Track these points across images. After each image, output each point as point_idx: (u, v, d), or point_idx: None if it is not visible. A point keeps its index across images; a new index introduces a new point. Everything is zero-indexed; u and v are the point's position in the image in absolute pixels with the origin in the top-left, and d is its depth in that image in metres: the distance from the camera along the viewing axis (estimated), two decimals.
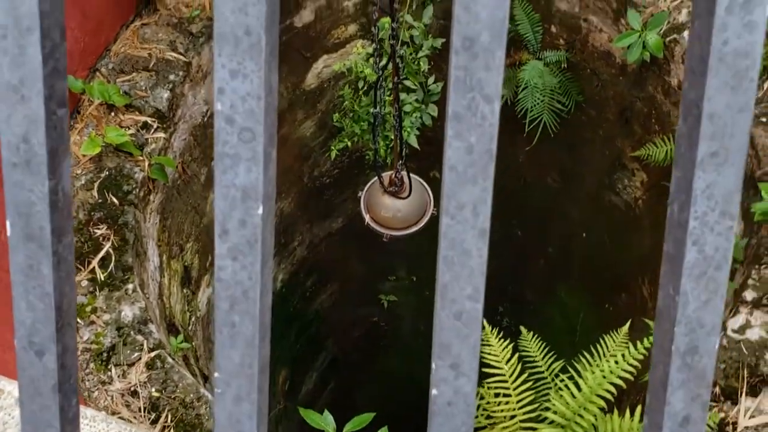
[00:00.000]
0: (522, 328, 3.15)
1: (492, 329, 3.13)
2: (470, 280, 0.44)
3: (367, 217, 2.85)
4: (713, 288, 0.45)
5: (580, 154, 4.74)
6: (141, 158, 2.90)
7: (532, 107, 4.36)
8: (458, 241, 0.44)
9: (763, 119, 3.24)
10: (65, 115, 0.46)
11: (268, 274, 0.45)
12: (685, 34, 3.42)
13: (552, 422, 2.65)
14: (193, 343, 3.29)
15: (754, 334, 2.80)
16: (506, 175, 5.14)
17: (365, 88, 4.37)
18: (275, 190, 0.46)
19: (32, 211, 0.45)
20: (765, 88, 3.32)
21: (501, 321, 5.67)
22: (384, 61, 2.82)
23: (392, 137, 4.13)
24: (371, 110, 3.09)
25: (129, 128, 2.98)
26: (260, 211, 0.44)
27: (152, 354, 2.51)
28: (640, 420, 2.54)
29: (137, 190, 2.84)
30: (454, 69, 0.42)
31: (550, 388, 2.82)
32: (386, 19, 3.22)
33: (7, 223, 0.46)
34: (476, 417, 2.97)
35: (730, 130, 0.42)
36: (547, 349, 3.18)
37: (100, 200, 2.80)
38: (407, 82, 4.32)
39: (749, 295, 2.87)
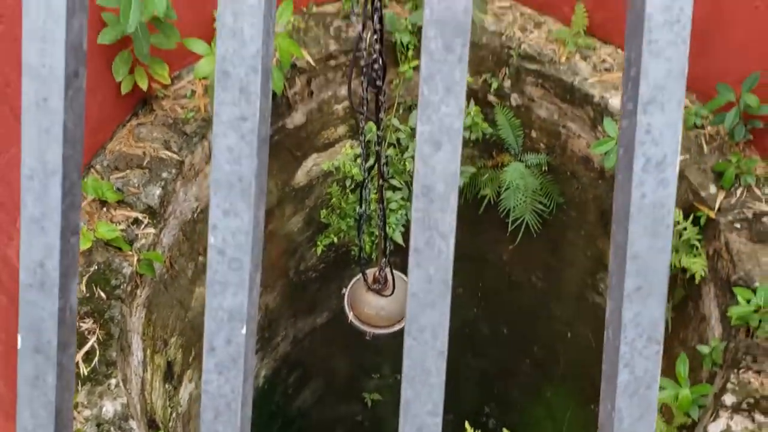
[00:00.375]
0: (505, 430, 3.14)
1: (475, 431, 3.11)
2: (430, 396, 0.50)
3: (350, 315, 2.89)
4: (645, 405, 0.51)
5: (563, 254, 4.84)
6: (130, 253, 2.96)
7: (514, 207, 4.48)
8: (419, 360, 0.50)
9: (737, 225, 3.35)
10: (77, 242, 0.52)
11: (249, 388, 0.50)
12: None
13: None
14: None
15: None
16: (491, 274, 5.21)
17: (352, 186, 4.49)
18: (258, 311, 0.52)
19: (42, 327, 0.51)
20: (737, 195, 3.45)
21: (487, 422, 5.60)
22: (370, 163, 2.94)
23: (377, 233, 4.22)
24: (357, 209, 3.19)
25: (120, 223, 3.05)
26: (244, 331, 0.50)
27: None
28: None
29: (125, 284, 2.88)
30: (415, 211, 0.49)
31: None
32: (372, 124, 3.36)
33: (19, 337, 0.52)
34: None
35: (652, 268, 0.48)
36: None
37: (88, 294, 2.83)
38: (393, 181, 4.45)
39: (729, 399, 2.90)
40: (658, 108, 0.46)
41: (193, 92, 3.51)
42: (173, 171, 3.26)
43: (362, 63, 2.22)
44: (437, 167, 0.48)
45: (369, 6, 2.01)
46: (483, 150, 4.66)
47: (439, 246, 0.49)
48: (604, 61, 3.85)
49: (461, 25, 0.47)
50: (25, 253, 0.50)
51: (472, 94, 4.38)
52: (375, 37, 2.06)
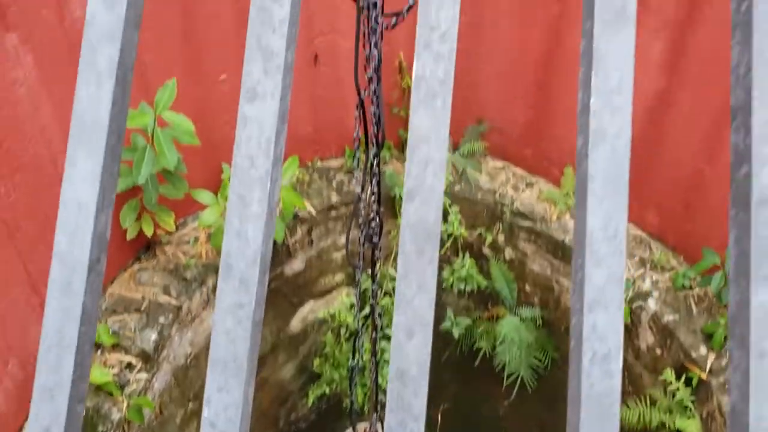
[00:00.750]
0: None
1: None
2: None
3: None
4: None
5: (559, 410, 4.76)
6: (120, 398, 2.94)
7: (509, 361, 4.47)
8: None
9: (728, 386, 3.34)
10: (82, 410, 0.58)
11: None
12: (650, 301, 3.65)
13: None
14: None
15: None
16: (487, 428, 5.09)
17: (347, 335, 4.51)
18: None
19: None
20: (728, 357, 3.46)
21: None
22: (365, 312, 2.98)
23: (370, 384, 4.18)
24: (350, 361, 3.19)
25: (113, 367, 3.05)
26: None
27: None
28: None
29: (112, 431, 2.84)
30: (389, 392, 0.54)
31: None
32: (368, 275, 3.44)
33: None
34: None
35: None
36: None
37: None
38: (388, 331, 4.47)
39: None
40: (602, 308, 0.53)
41: (196, 239, 3.62)
42: (170, 316, 3.30)
43: (360, 221, 2.33)
44: (411, 354, 0.54)
45: (369, 168, 2.15)
46: (478, 302, 4.72)
47: (411, 428, 0.54)
48: None
49: (432, 232, 0.55)
50: (33, 420, 0.55)
51: (467, 247, 4.51)
52: (373, 198, 2.19)
